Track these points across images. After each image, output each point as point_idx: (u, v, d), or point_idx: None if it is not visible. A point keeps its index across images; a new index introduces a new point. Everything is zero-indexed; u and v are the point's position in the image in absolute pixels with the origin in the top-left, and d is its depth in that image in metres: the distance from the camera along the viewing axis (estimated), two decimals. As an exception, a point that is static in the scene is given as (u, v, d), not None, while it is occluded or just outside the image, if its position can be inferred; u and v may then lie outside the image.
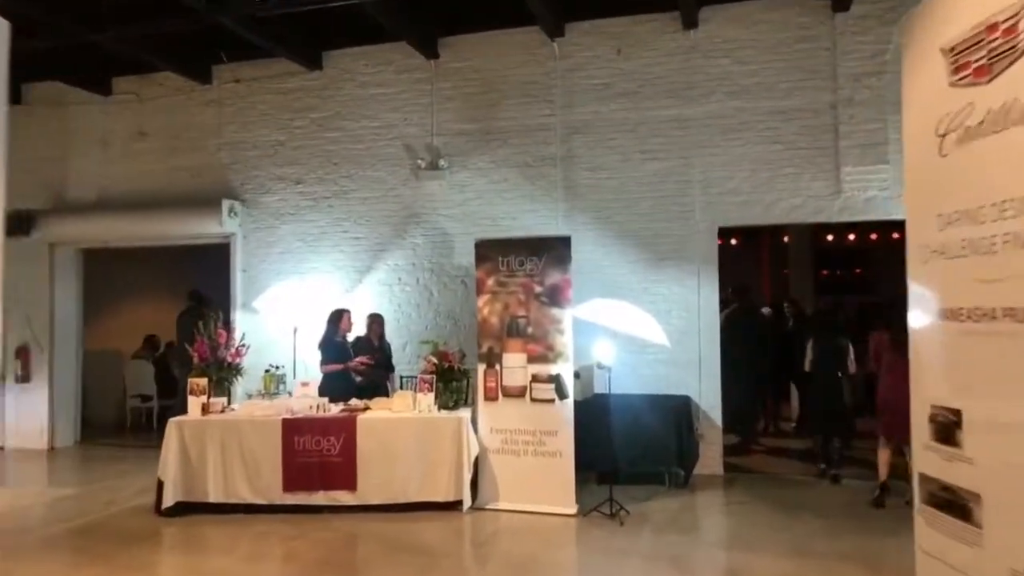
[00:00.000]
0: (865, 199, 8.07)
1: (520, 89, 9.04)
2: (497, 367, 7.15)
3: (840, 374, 7.83)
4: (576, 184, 8.87)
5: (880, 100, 7.97)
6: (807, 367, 8.20)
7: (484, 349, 7.23)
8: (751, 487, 7.92)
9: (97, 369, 11.98)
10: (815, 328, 8.77)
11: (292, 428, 6.97)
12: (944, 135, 3.83)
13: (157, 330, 12.56)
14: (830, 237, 16.67)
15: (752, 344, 9.41)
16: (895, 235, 18.54)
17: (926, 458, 3.97)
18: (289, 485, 6.90)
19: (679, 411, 7.98)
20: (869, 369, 7.27)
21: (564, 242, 7.16)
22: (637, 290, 8.59)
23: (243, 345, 7.77)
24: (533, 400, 7.03)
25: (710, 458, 8.36)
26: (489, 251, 7.31)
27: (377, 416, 7.15)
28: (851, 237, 17.34)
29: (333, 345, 8.14)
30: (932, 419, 3.92)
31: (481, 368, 7.22)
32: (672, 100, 8.59)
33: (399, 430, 7.00)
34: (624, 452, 7.58)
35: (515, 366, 7.10)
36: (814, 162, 8.20)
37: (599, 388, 7.91)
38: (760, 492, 7.67)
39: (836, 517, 6.73)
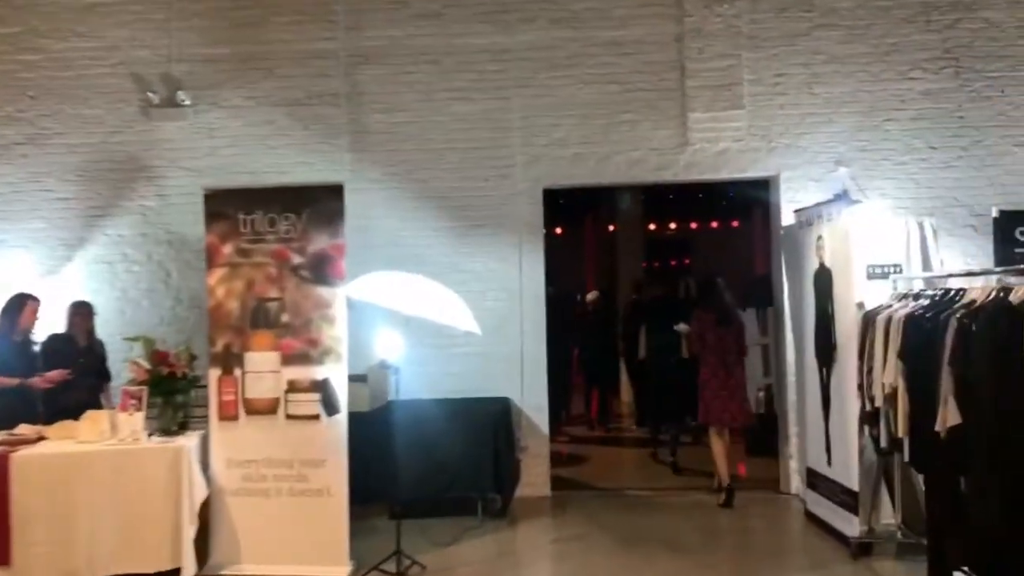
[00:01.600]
0: (716, 152, 6.66)
1: (291, 3, 6.87)
2: (237, 372, 5.00)
3: (675, 360, 7.04)
4: (365, 129, 6.85)
5: (733, 32, 6.58)
6: (642, 354, 7.60)
7: (219, 347, 5.05)
8: (584, 509, 6.31)
9: None
10: (647, 314, 8.02)
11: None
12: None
13: None
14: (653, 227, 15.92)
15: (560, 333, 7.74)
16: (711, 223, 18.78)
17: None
18: None
19: (496, 419, 6.20)
20: (693, 351, 6.60)
21: (334, 193, 5.13)
22: (443, 265, 6.70)
23: None
24: (290, 418, 4.96)
25: (535, 475, 6.66)
26: (224, 205, 5.13)
27: (49, 452, 4.78)
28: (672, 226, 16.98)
29: (6, 348, 5.63)
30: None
31: (214, 374, 5.04)
32: (485, 26, 6.77)
33: (83, 471, 4.69)
34: (424, 478, 5.69)
35: (263, 370, 4.98)
36: (656, 106, 6.69)
37: (397, 394, 5.99)
38: (596, 517, 6.06)
39: (694, 551, 5.22)
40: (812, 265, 5.67)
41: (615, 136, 6.71)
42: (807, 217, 5.78)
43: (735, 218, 18.48)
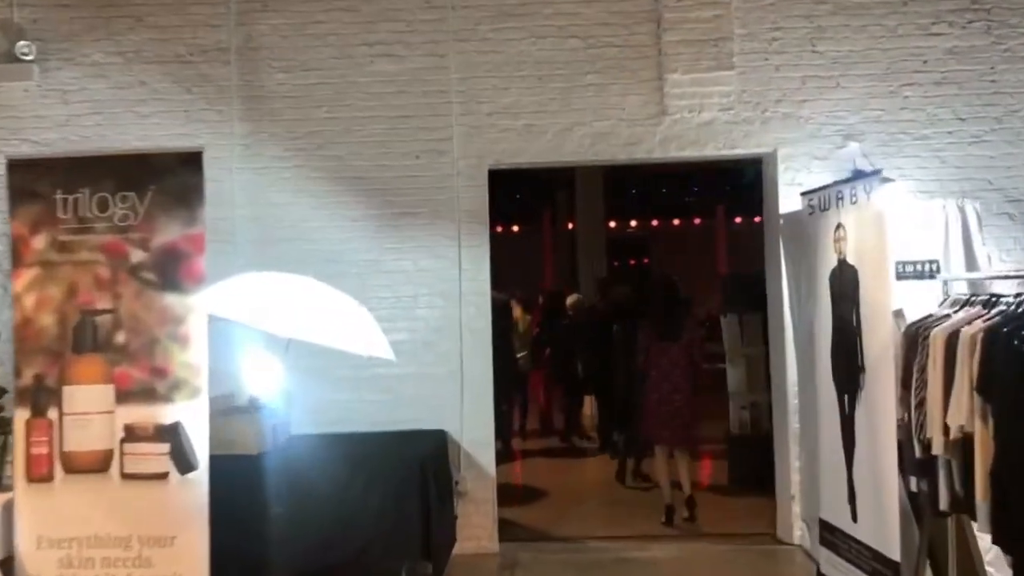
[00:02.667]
0: (700, 124, 5.41)
1: (169, -65, 5.45)
2: (52, 414, 3.58)
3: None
4: (263, 93, 5.46)
5: (720, -25, 5.34)
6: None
7: (26, 379, 3.63)
8: (540, 570, 5.01)
9: None
10: (616, 318, 7.21)
11: None
12: None
13: None
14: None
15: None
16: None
17: None
18: None
19: (427, 458, 4.84)
20: (639, 366, 6.11)
21: (190, 163, 3.73)
22: (362, 265, 5.39)
23: None
24: (127, 477, 3.57)
25: (478, 526, 5.34)
26: (35, 180, 3.70)
27: None
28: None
29: None
30: None
31: (21, 418, 3.62)
32: (416, -36, 5.44)
33: None
34: (327, 544, 4.31)
35: (90, 411, 3.58)
36: (627, 67, 5.42)
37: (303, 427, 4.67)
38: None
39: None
40: (827, 261, 4.44)
41: (576, 103, 5.42)
42: (820, 201, 4.54)
43: (716, 208, 17.53)
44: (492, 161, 5.48)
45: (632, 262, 18.94)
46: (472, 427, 5.36)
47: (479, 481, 5.34)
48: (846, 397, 4.27)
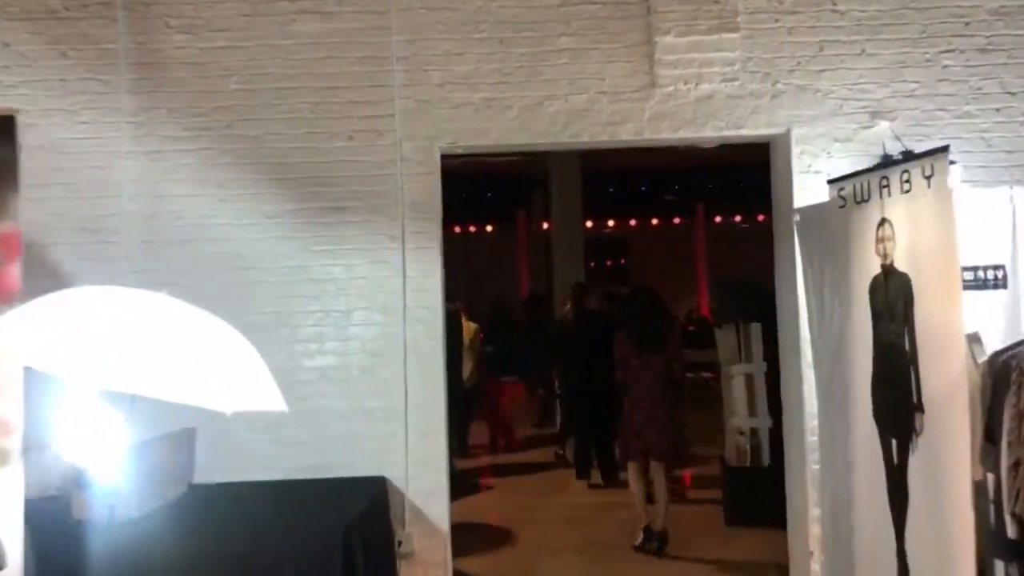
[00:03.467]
0: (698, 98, 4.44)
1: None
2: None
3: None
4: (160, 60, 4.40)
5: (722, -85, 4.36)
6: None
7: None
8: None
9: None
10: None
11: None
12: None
13: None
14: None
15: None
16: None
17: None
18: None
19: (359, 514, 3.82)
20: (617, 380, 5.80)
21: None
22: (282, 271, 4.36)
23: None
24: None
25: (428, 596, 4.32)
26: None
27: None
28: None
29: None
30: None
31: None
32: (350, -100, 4.41)
33: None
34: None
35: None
36: (609, 28, 4.43)
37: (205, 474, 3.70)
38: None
39: None
40: (865, 267, 3.50)
41: (547, 73, 4.42)
42: (857, 190, 3.58)
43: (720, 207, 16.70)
44: (444, 144, 4.46)
45: (609, 263, 18.19)
46: (420, 473, 4.32)
47: (429, 539, 4.31)
48: (895, 443, 3.32)
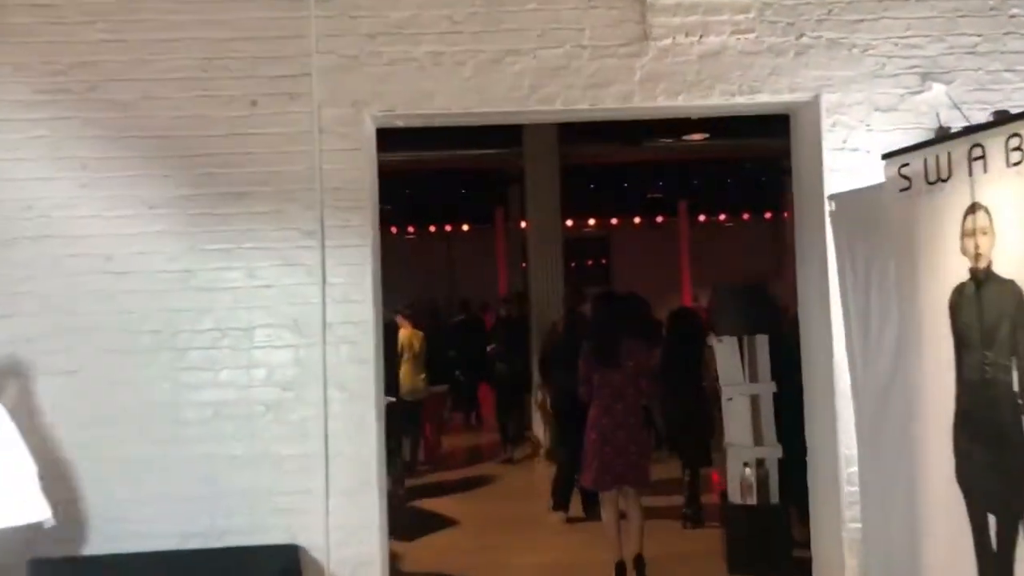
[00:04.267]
0: (703, 55, 3.48)
1: None
2: None
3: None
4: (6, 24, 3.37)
5: None
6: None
7: None
8: None
9: None
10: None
11: None
12: None
13: None
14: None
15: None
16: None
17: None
18: None
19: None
20: (580, 396, 5.26)
21: None
22: (163, 278, 3.34)
23: None
24: None
25: None
26: None
27: None
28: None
29: None
30: None
31: None
32: None
33: None
34: None
35: None
36: (590, -36, 3.45)
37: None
38: None
39: None
40: (944, 271, 2.54)
41: (510, 21, 3.44)
42: (930, 167, 2.62)
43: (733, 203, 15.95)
44: (377, 111, 3.46)
45: (590, 263, 17.46)
46: (345, 539, 3.32)
47: (355, 626, 3.31)
48: (993, 521, 2.36)
